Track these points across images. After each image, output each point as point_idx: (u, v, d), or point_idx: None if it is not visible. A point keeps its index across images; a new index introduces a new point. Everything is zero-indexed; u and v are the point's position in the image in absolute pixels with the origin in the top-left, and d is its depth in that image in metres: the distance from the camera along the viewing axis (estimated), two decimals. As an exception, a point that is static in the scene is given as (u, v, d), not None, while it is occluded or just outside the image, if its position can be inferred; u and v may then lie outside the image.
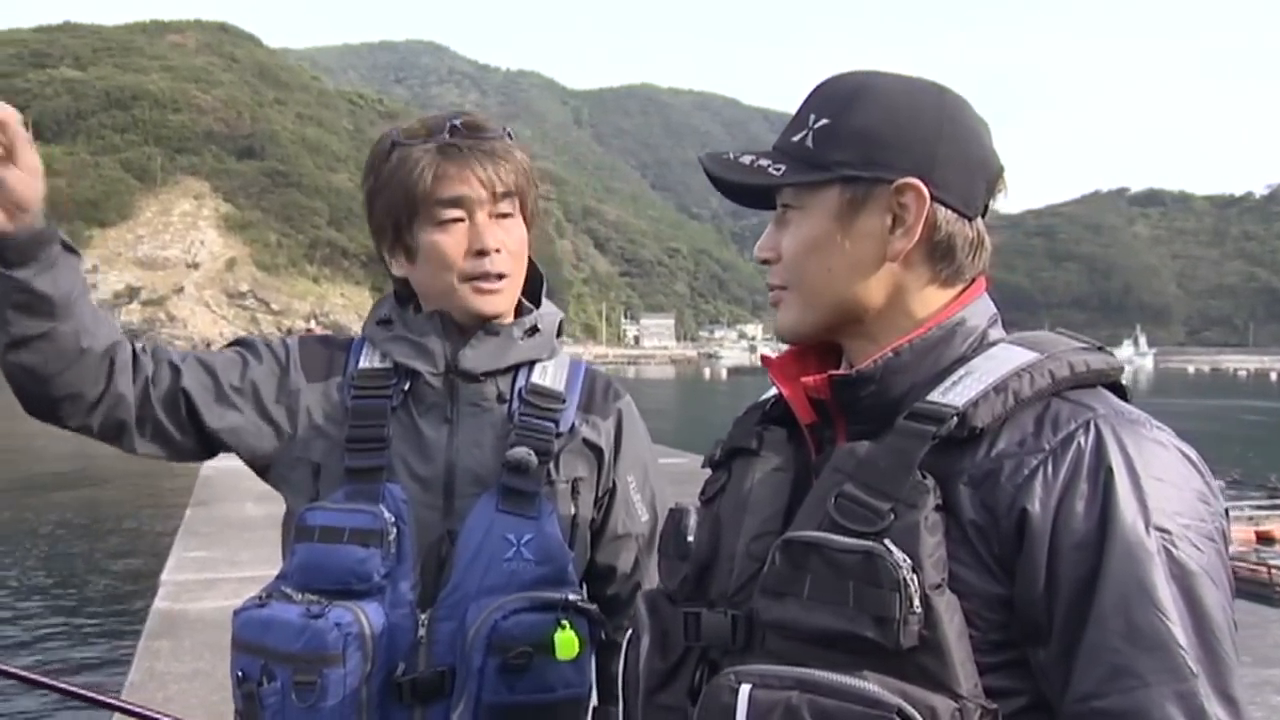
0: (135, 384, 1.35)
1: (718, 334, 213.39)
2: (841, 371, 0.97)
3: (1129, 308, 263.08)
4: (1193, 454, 0.88)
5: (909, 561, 0.81)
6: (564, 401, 1.45)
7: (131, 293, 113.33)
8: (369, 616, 1.30)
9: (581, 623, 1.34)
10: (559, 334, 1.53)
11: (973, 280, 1.00)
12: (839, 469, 0.90)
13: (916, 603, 0.80)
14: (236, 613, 1.36)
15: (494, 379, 1.45)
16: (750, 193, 1.03)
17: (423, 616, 1.34)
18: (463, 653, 1.31)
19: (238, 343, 1.51)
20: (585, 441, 1.47)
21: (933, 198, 0.93)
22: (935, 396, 0.89)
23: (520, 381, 1.46)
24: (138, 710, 1.41)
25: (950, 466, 0.87)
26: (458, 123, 1.43)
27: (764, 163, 0.98)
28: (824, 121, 0.96)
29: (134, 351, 1.37)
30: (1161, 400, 55.38)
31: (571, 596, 1.36)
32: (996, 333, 0.98)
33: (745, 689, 0.84)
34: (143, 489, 16.70)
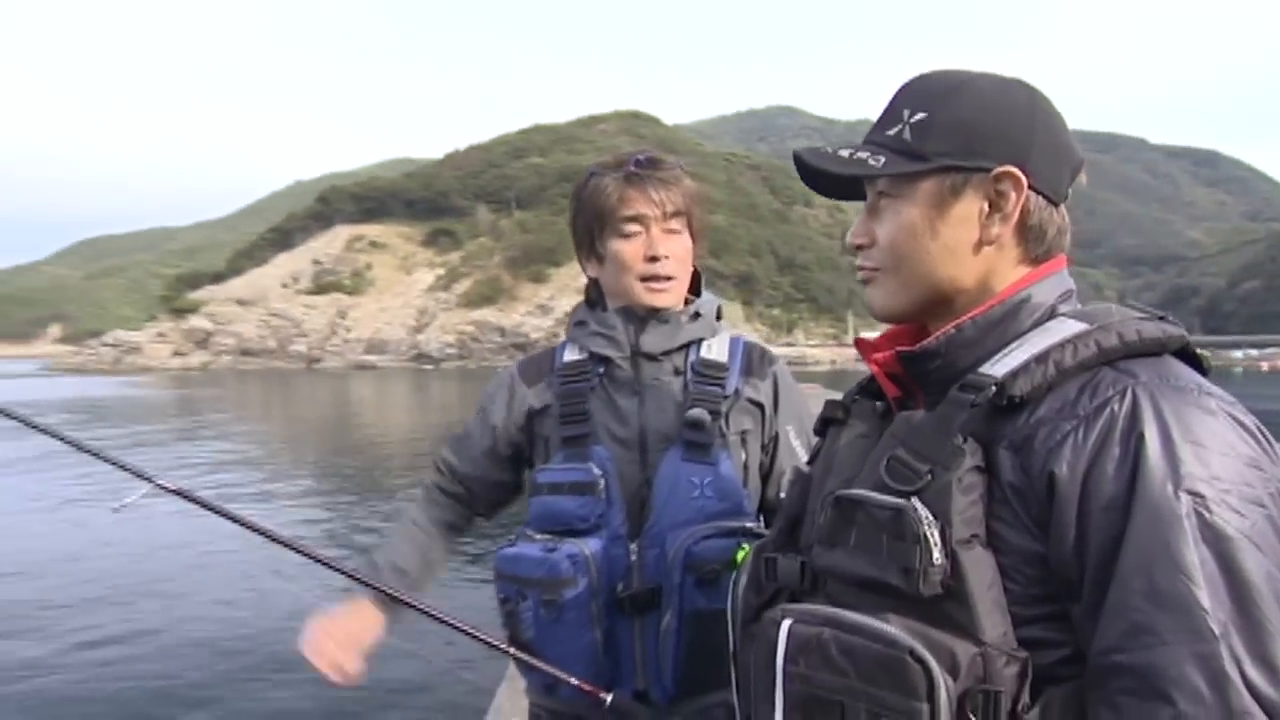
0: (461, 505, 1.58)
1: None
2: (906, 347, 0.87)
3: None
4: (1249, 421, 0.74)
5: (931, 518, 0.73)
6: (727, 370, 1.46)
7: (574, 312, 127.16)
8: (591, 549, 1.34)
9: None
10: (718, 317, 1.54)
11: (1049, 260, 0.87)
12: (894, 434, 0.82)
13: (937, 555, 0.72)
14: (496, 552, 1.41)
15: (670, 357, 1.46)
16: (841, 184, 0.92)
17: (633, 546, 1.36)
18: (666, 572, 1.33)
19: (483, 400, 1.59)
20: (749, 400, 1.46)
21: (1029, 185, 0.83)
22: (985, 368, 0.80)
23: (691, 357, 1.47)
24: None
25: (995, 432, 0.77)
26: (641, 158, 1.46)
27: (862, 155, 0.87)
28: (920, 115, 0.85)
29: (440, 490, 1.57)
30: None
31: (749, 525, 1.36)
32: (1066, 308, 0.85)
33: (786, 623, 0.79)
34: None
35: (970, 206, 0.84)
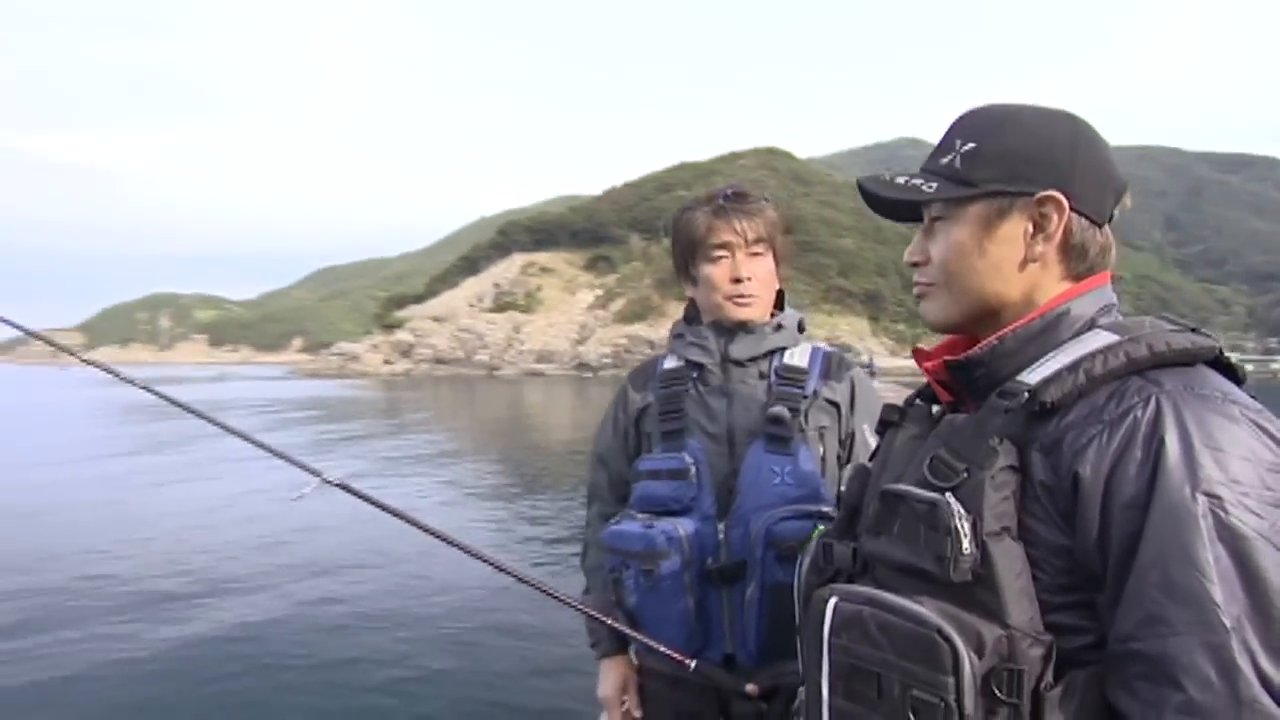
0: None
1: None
2: (952, 357, 0.85)
3: None
4: (1275, 428, 0.70)
5: (963, 512, 0.72)
6: (807, 374, 1.47)
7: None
8: (684, 527, 1.37)
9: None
10: (800, 329, 1.55)
11: (1092, 276, 0.84)
12: (939, 435, 0.81)
13: (967, 546, 0.71)
14: (606, 529, 1.45)
15: (755, 363, 1.48)
16: (901, 208, 0.90)
17: (720, 525, 1.38)
18: (749, 549, 1.34)
19: (609, 413, 1.60)
20: (826, 400, 1.47)
21: (1070, 208, 0.80)
22: (1022, 376, 0.78)
23: (775, 363, 1.49)
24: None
25: (1028, 435, 0.75)
26: (729, 192, 1.50)
27: (917, 181, 0.86)
28: (970, 145, 0.84)
29: (606, 520, 1.51)
30: None
31: (825, 509, 1.34)
32: (1106, 321, 0.81)
33: (833, 601, 0.79)
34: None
35: (1016, 227, 0.82)
